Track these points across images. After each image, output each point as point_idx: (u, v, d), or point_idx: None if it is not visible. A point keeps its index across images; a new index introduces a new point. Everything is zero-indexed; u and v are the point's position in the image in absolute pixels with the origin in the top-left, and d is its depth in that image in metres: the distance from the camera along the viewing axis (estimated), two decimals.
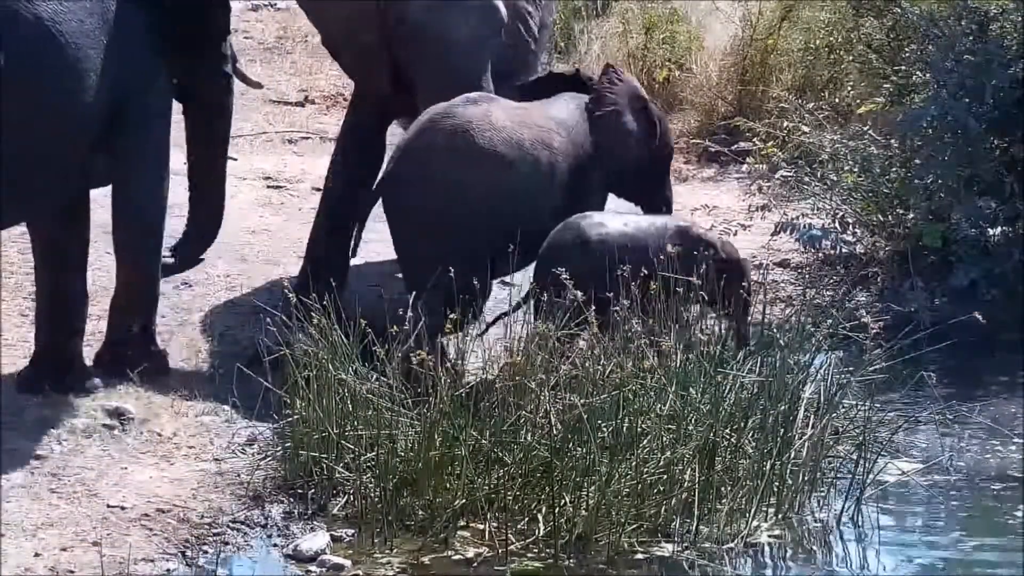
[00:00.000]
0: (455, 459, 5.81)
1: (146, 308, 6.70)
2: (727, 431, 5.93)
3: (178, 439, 6.25)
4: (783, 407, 6.04)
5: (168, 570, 5.35)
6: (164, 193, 6.62)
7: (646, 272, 6.24)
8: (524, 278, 6.79)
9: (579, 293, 6.00)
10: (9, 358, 6.64)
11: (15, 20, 5.92)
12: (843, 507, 5.98)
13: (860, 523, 5.96)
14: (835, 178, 8.77)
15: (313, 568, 5.50)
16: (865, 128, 9.07)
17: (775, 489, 5.89)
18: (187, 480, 5.93)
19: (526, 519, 5.75)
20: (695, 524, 5.67)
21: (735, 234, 8.17)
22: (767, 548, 5.75)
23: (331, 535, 5.68)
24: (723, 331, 6.58)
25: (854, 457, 6.15)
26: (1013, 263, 8.11)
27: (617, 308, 6.03)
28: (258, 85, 7.93)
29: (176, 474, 5.98)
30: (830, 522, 5.94)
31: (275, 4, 13.56)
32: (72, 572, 5.19)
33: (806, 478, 6.01)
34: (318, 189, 8.44)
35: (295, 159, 10.16)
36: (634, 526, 5.66)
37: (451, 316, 6.17)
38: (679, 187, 8.71)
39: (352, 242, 7.08)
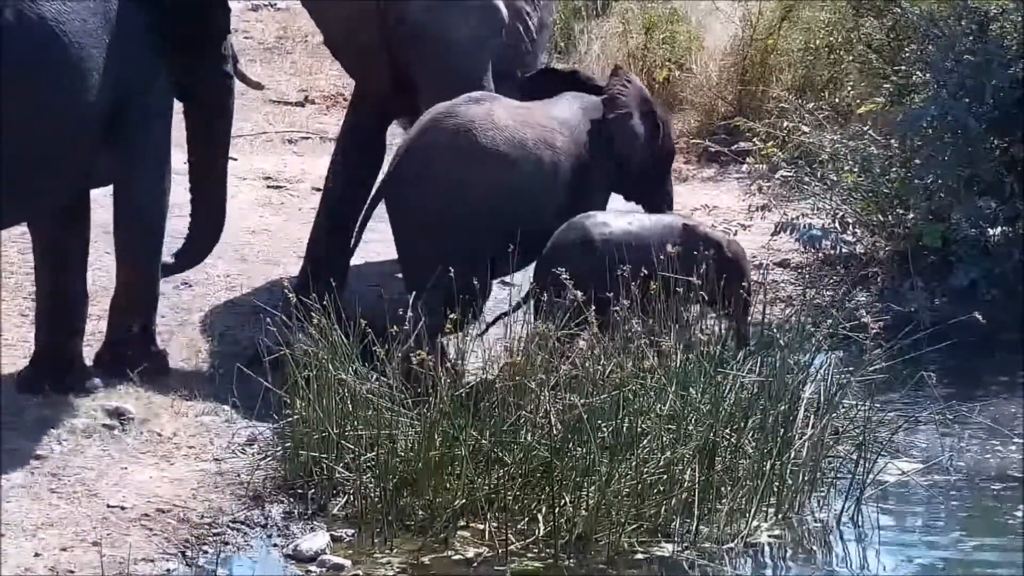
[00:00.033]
0: (455, 459, 5.81)
1: (146, 308, 6.70)
2: (727, 431, 5.93)
3: (178, 439, 6.25)
4: (783, 407, 6.04)
5: (168, 570, 5.35)
6: (165, 193, 6.61)
7: (651, 271, 6.24)
8: (525, 278, 6.79)
9: (581, 293, 6.00)
10: (9, 358, 6.64)
11: (18, 19, 5.92)
12: (843, 507, 5.98)
13: (860, 523, 5.96)
14: (835, 178, 8.77)
15: (313, 568, 5.50)
16: (865, 128, 9.08)
17: (775, 489, 5.89)
18: (187, 480, 5.93)
19: (526, 519, 5.75)
20: (695, 524, 5.67)
21: (735, 234, 8.17)
22: (767, 548, 5.75)
23: (331, 535, 5.68)
24: (723, 331, 6.58)
25: (854, 457, 6.15)
26: (1013, 263, 8.11)
27: (618, 308, 6.03)
28: (259, 86, 7.92)
29: (176, 474, 5.98)
30: (830, 522, 5.94)
31: (275, 4, 13.56)
32: (72, 572, 5.19)
33: (806, 478, 6.01)
34: (318, 189, 8.44)
35: (295, 159, 10.16)
36: (634, 526, 5.66)
37: (451, 316, 6.17)
38: (679, 187, 8.71)
39: (352, 241, 7.08)
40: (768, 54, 11.22)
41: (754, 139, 9.69)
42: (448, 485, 5.79)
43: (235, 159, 8.42)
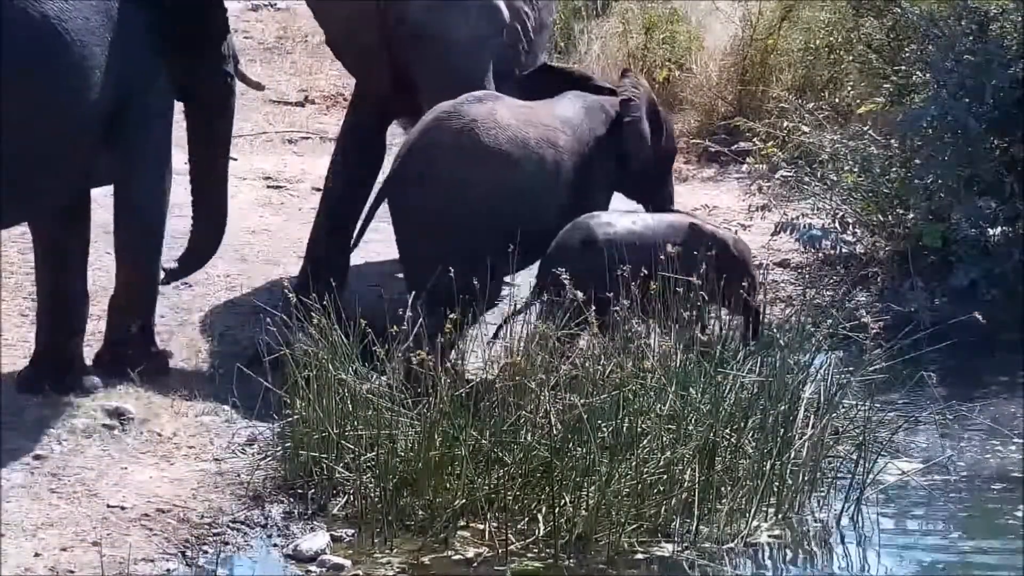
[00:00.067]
0: (455, 459, 5.81)
1: (146, 308, 6.71)
2: (727, 431, 5.93)
3: (178, 439, 6.25)
4: (783, 407, 6.04)
5: (168, 570, 5.35)
6: (165, 193, 6.61)
7: (657, 271, 6.24)
8: (528, 278, 6.78)
9: (583, 294, 5.99)
10: (9, 358, 6.65)
11: (21, 17, 5.92)
12: (843, 507, 5.98)
13: (860, 523, 5.96)
14: (835, 178, 8.77)
15: (313, 568, 5.49)
16: (865, 128, 9.07)
17: (775, 489, 5.88)
18: (187, 480, 5.93)
19: (526, 519, 5.75)
20: (695, 524, 5.67)
21: (735, 234, 8.17)
22: (767, 548, 5.74)
23: (331, 535, 5.68)
24: (723, 331, 6.59)
25: (854, 457, 6.15)
26: (1013, 263, 8.10)
27: (618, 308, 6.03)
28: (259, 86, 7.92)
29: (176, 474, 5.97)
30: (830, 522, 5.94)
31: (275, 4, 13.56)
32: (72, 572, 5.19)
33: (806, 478, 6.00)
34: (318, 189, 8.44)
35: (295, 159, 10.17)
36: (634, 526, 5.66)
37: (451, 316, 6.16)
38: (679, 187, 8.71)
39: (353, 241, 7.09)
40: (768, 54, 11.22)
41: (754, 139, 9.70)
42: (448, 485, 5.79)
43: (235, 159, 8.41)
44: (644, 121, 7.12)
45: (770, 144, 9.45)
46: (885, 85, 9.53)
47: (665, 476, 5.77)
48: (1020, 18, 8.35)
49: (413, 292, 6.22)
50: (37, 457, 5.93)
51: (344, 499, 5.90)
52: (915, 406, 6.77)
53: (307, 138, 10.66)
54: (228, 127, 7.06)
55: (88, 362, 6.63)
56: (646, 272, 6.25)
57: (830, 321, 6.72)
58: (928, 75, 8.66)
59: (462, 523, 5.75)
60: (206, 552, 5.51)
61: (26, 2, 5.94)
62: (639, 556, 5.61)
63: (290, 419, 6.06)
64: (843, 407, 6.36)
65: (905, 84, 9.19)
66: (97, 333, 6.78)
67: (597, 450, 5.71)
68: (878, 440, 6.24)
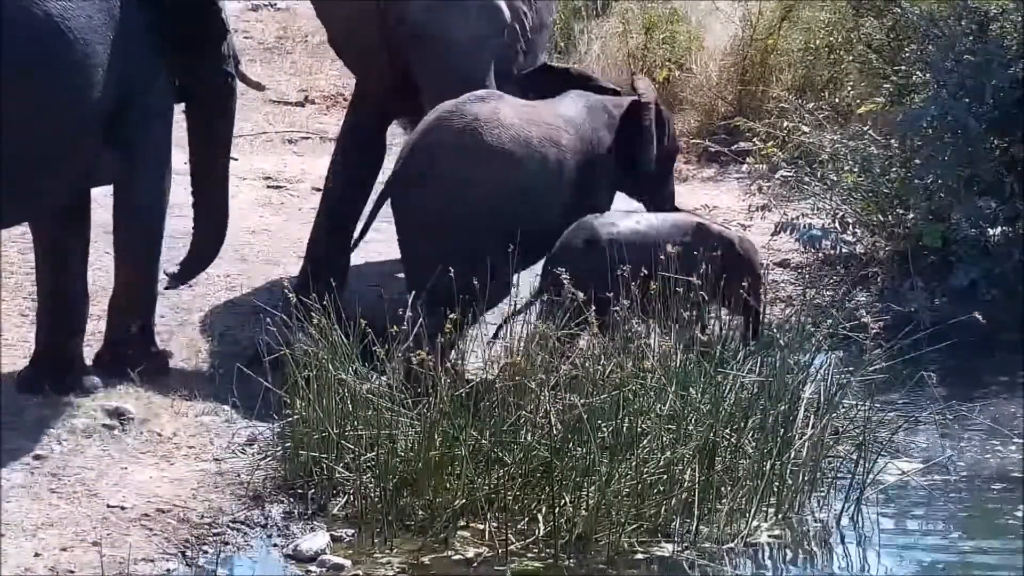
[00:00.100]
0: (455, 459, 5.80)
1: (145, 308, 6.71)
2: (727, 431, 5.93)
3: (178, 439, 6.25)
4: (783, 407, 6.04)
5: (168, 570, 5.35)
6: (165, 193, 6.61)
7: (661, 271, 6.24)
8: (528, 278, 6.77)
9: (585, 294, 5.99)
10: (9, 358, 6.64)
11: (23, 16, 5.91)
12: (843, 507, 5.98)
13: (860, 523, 5.96)
14: (835, 178, 8.77)
15: (313, 568, 5.49)
16: (865, 128, 9.08)
17: (775, 489, 5.88)
18: (187, 480, 5.93)
19: (526, 519, 5.75)
20: (695, 524, 5.67)
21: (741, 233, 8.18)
22: (767, 548, 5.74)
23: (331, 535, 5.68)
24: (723, 331, 6.59)
25: (854, 457, 6.15)
26: (1013, 263, 8.11)
27: (619, 308, 6.04)
28: (259, 86, 7.91)
29: (176, 474, 5.97)
30: (830, 522, 5.94)
31: (275, 4, 13.56)
32: (72, 572, 5.19)
33: (806, 478, 6.00)
34: (318, 189, 8.44)
35: (295, 159, 10.16)
36: (634, 526, 5.66)
37: (451, 316, 6.16)
38: (679, 187, 8.70)
39: (354, 241, 7.09)
40: (768, 54, 11.22)
41: (754, 139, 9.70)
42: (448, 485, 5.79)
43: (235, 159, 8.41)
44: (654, 125, 7.13)
45: (770, 144, 9.45)
46: (885, 85, 9.53)
47: (665, 476, 5.77)
48: (1020, 18, 8.35)
49: (413, 292, 6.22)
50: (37, 457, 5.92)
51: (344, 499, 5.90)
52: (915, 406, 6.77)
53: (307, 138, 10.66)
54: (228, 127, 7.05)
55: (88, 362, 6.63)
56: (651, 272, 6.25)
57: (830, 321, 6.72)
58: (928, 75, 8.67)
59: (462, 523, 5.75)
60: (206, 552, 5.50)
61: (28, 1, 5.94)
62: (639, 556, 5.61)
63: (290, 419, 6.06)
64: (843, 407, 6.36)
65: (905, 84, 9.19)
66: (97, 333, 6.78)
67: (597, 450, 5.71)
68: (878, 440, 6.24)
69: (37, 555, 5.25)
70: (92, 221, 6.58)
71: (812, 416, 6.10)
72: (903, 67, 9.28)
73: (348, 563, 5.51)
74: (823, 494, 6.07)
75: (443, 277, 6.13)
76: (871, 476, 6.07)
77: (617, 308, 6.04)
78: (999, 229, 8.30)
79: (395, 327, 5.96)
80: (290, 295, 6.16)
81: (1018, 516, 6.04)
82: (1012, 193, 8.21)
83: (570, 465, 5.72)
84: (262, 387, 6.13)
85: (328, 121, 10.91)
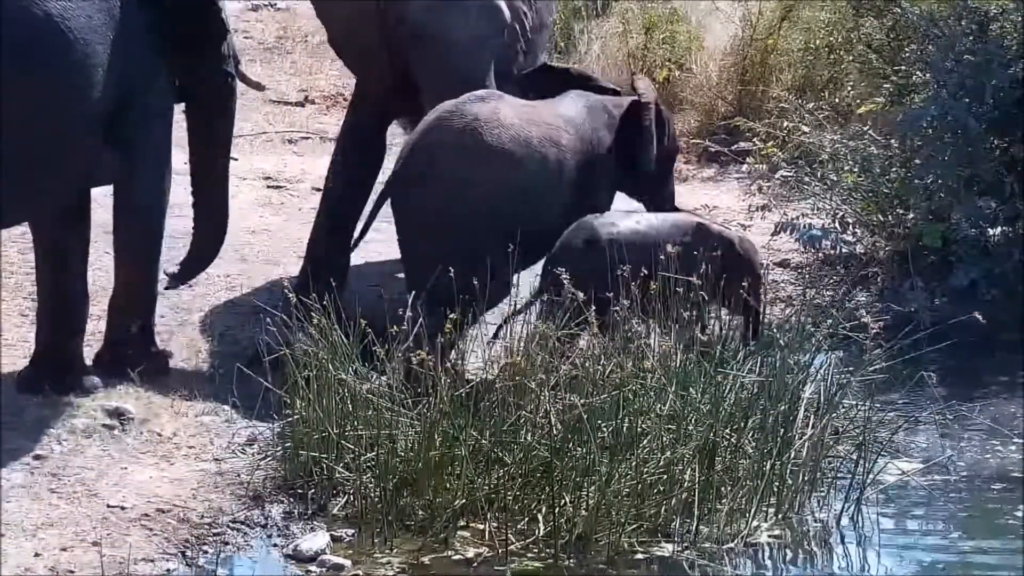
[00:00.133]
0: (455, 459, 5.80)
1: (145, 308, 6.71)
2: (727, 431, 5.93)
3: (178, 439, 6.25)
4: (783, 407, 6.04)
5: (168, 570, 5.35)
6: (165, 193, 6.61)
7: (661, 271, 6.24)
8: (527, 278, 6.77)
9: (585, 294, 5.99)
10: (9, 358, 6.64)
11: (23, 16, 5.91)
12: (843, 507, 5.98)
13: (860, 523, 5.96)
14: (835, 178, 8.77)
15: (313, 568, 5.49)
16: (865, 128, 9.08)
17: (775, 489, 5.88)
18: (187, 480, 5.93)
19: (526, 519, 5.75)
20: (695, 524, 5.67)
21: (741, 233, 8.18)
22: (767, 548, 5.74)
23: (331, 535, 5.68)
24: (723, 331, 6.59)
25: (854, 457, 6.15)
26: (1013, 263, 8.11)
27: (619, 308, 6.04)
28: (259, 86, 7.91)
29: (176, 474, 5.97)
30: (830, 522, 5.94)
31: (275, 4, 13.56)
32: (72, 572, 5.19)
33: (806, 478, 6.00)
34: (318, 189, 8.44)
35: (295, 159, 10.17)
36: (634, 526, 5.66)
37: (451, 316, 6.16)
38: (679, 187, 8.71)
39: (354, 240, 7.08)
40: (768, 54, 11.22)
41: (754, 139, 9.70)
42: (448, 485, 5.79)
43: (235, 159, 8.42)
44: (654, 125, 7.14)
45: (770, 144, 9.45)
46: (885, 85, 9.53)
47: (665, 476, 5.77)
48: (1020, 18, 8.35)
49: (413, 292, 6.22)
50: (37, 457, 5.93)
51: (344, 499, 5.90)
52: (915, 406, 6.77)
53: (307, 138, 10.66)
54: (228, 127, 7.05)
55: (88, 362, 6.63)
56: (651, 272, 6.25)
57: (830, 321, 6.72)
58: (928, 75, 8.67)
59: (462, 523, 5.75)
60: (206, 552, 5.51)
61: (28, 1, 5.93)
62: (639, 556, 5.61)
63: (290, 419, 6.06)
64: (843, 407, 6.36)
65: (905, 84, 9.19)
66: (97, 333, 6.78)
67: (597, 450, 5.71)
68: (878, 440, 6.24)
69: (37, 555, 5.25)
70: (92, 221, 6.58)
71: (812, 416, 6.10)
72: (903, 67, 9.28)
73: (348, 563, 5.51)
74: (823, 494, 6.07)
75: (443, 277, 6.13)
76: (871, 476, 6.07)
77: (617, 308, 6.04)
78: (999, 229, 8.30)
79: (395, 327, 5.96)
80: (290, 295, 6.16)
81: (1018, 516, 6.04)
82: (1012, 193, 8.21)
83: (570, 465, 5.72)
84: (262, 387, 6.13)
85: (328, 121, 10.91)
